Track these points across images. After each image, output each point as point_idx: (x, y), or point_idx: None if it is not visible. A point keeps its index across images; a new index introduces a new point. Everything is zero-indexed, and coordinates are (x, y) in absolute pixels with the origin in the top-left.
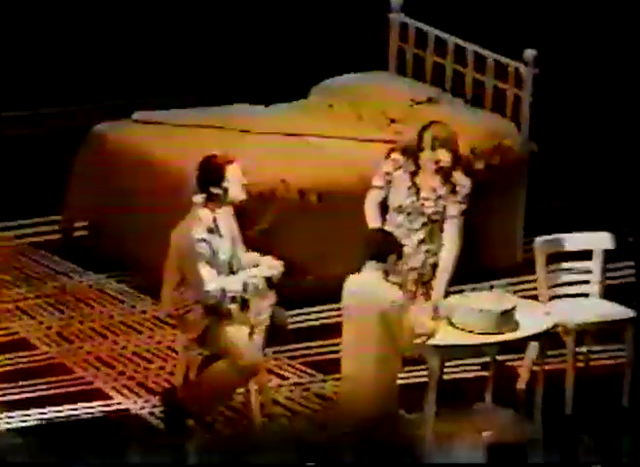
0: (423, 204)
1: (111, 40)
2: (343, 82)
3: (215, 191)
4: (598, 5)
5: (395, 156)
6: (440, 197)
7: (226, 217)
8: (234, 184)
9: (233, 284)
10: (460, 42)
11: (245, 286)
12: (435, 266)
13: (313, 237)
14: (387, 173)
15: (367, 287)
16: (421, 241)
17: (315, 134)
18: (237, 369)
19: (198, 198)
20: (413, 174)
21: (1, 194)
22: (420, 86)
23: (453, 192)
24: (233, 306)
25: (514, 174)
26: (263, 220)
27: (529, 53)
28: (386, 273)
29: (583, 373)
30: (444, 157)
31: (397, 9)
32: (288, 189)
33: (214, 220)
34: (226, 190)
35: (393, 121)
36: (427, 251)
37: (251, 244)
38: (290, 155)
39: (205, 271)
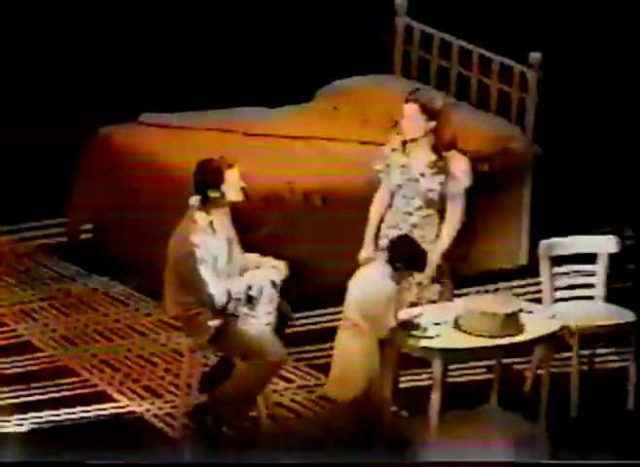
0: (417, 180)
1: (116, 43)
2: (349, 84)
3: (213, 194)
4: (603, 8)
5: (391, 136)
6: (436, 173)
7: (222, 218)
8: (233, 187)
9: (239, 286)
10: (465, 45)
11: (250, 288)
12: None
13: (318, 240)
14: (385, 156)
15: (365, 282)
16: (415, 226)
17: (320, 137)
18: (265, 367)
19: (194, 201)
20: (406, 152)
21: (7, 196)
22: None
23: (449, 170)
24: (243, 308)
25: (518, 177)
26: (267, 222)
27: (534, 57)
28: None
29: (587, 375)
30: (412, 110)
31: (402, 12)
32: (293, 191)
33: (210, 223)
34: (223, 193)
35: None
36: (422, 236)
37: (256, 247)
38: (295, 157)
39: (208, 274)
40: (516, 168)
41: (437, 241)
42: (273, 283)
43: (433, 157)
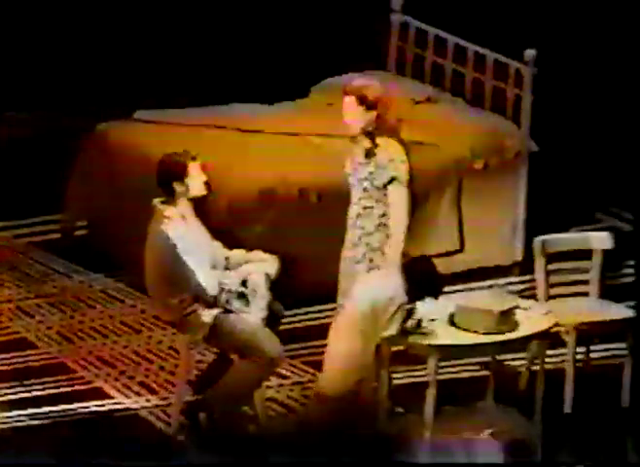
0: (356, 169)
1: (111, 39)
2: (344, 81)
3: (179, 188)
4: (598, 4)
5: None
6: (366, 162)
7: (189, 212)
8: (196, 180)
9: (230, 279)
10: (460, 41)
11: (245, 283)
12: (367, 245)
13: (313, 237)
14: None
15: (378, 288)
16: (357, 216)
17: (315, 133)
18: (263, 364)
19: (157, 201)
20: (357, 143)
21: (1, 193)
22: (420, 85)
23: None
24: (238, 303)
25: (513, 174)
26: (262, 219)
27: (529, 54)
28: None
29: (582, 372)
30: (348, 102)
31: (397, 8)
32: (288, 188)
33: (182, 217)
34: (187, 186)
35: None
36: (361, 228)
37: (251, 243)
38: (290, 154)
39: (195, 264)
40: (512, 165)
41: (376, 233)
42: (267, 277)
43: (368, 145)
